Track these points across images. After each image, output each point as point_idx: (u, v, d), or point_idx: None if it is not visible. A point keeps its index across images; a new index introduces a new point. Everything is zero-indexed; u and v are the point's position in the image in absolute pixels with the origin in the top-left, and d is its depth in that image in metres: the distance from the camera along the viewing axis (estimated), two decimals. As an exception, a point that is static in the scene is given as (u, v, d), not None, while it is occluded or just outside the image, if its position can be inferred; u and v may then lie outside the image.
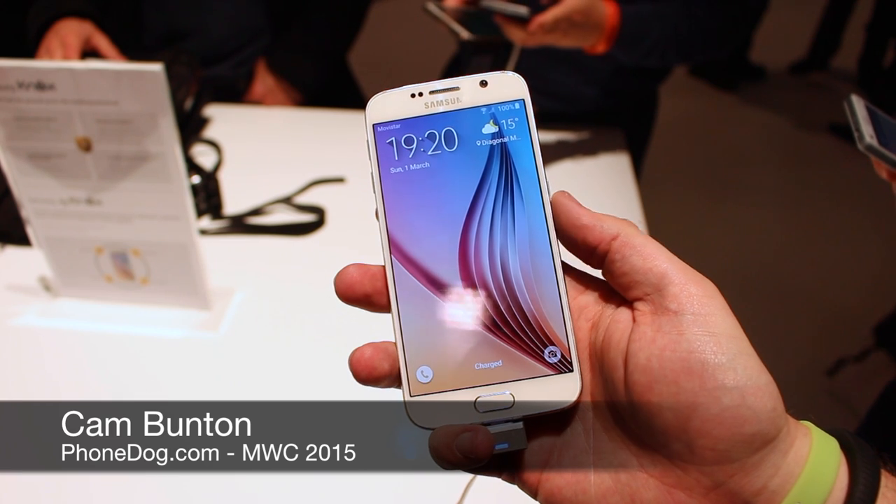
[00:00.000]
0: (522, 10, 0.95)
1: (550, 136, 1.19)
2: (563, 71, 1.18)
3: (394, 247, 0.30)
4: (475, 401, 0.29)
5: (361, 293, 0.30)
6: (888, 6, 3.12)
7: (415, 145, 0.31)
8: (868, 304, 2.00)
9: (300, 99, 1.36)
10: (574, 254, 0.30)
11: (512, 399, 0.29)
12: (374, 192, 0.30)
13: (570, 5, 0.94)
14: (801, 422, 0.27)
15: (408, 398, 0.29)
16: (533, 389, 0.29)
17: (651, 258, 0.27)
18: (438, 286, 0.30)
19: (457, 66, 1.36)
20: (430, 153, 0.31)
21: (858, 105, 0.64)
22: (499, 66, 1.15)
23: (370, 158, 0.31)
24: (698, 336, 0.26)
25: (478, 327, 0.29)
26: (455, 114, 0.31)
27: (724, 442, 0.25)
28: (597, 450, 0.28)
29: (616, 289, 0.29)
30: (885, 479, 0.25)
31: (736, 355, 0.25)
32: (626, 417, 0.27)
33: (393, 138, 0.31)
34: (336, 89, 1.44)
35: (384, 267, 0.30)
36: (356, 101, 1.47)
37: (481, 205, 0.30)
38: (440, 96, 0.31)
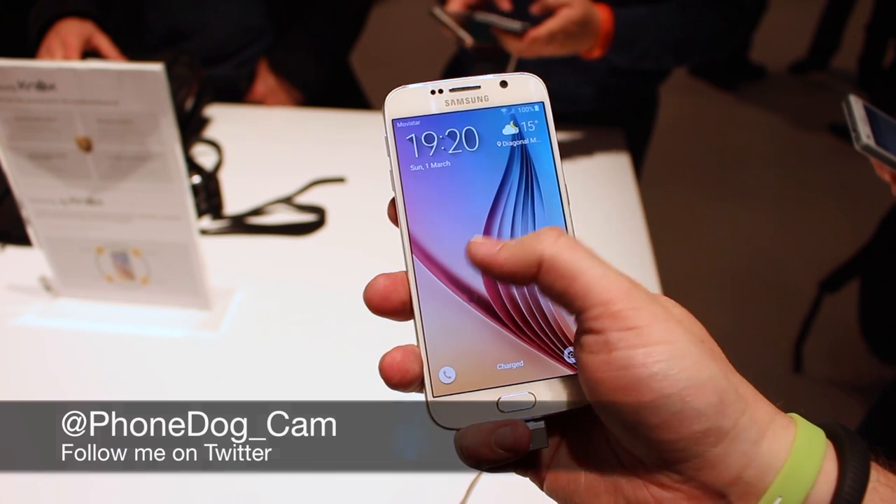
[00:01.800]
0: (516, 24, 0.95)
1: (550, 136, 1.19)
2: (564, 71, 1.18)
3: (415, 246, 0.30)
4: (498, 401, 0.29)
5: (399, 302, 0.29)
6: (888, 6, 3.12)
7: (435, 143, 0.30)
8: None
9: (301, 99, 1.36)
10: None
11: (533, 399, 0.29)
12: (394, 190, 0.30)
13: (567, 17, 0.94)
14: (789, 414, 0.27)
15: (430, 399, 0.29)
16: (553, 389, 0.29)
17: (570, 278, 0.26)
18: (460, 286, 0.30)
19: (456, 68, 1.36)
20: (450, 152, 0.30)
21: (856, 105, 0.64)
22: (500, 72, 1.14)
23: (389, 155, 0.30)
24: (627, 353, 0.25)
25: (499, 328, 0.30)
26: (475, 113, 0.31)
27: (679, 443, 0.25)
28: (589, 444, 0.29)
29: None
30: (876, 473, 0.25)
31: (669, 360, 0.25)
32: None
33: (413, 135, 0.30)
34: (338, 90, 1.44)
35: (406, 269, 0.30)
36: (358, 101, 1.47)
37: (502, 206, 0.30)
38: (460, 94, 0.31)
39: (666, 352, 0.25)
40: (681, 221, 2.45)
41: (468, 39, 0.99)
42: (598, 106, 1.22)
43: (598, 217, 1.02)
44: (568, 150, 1.16)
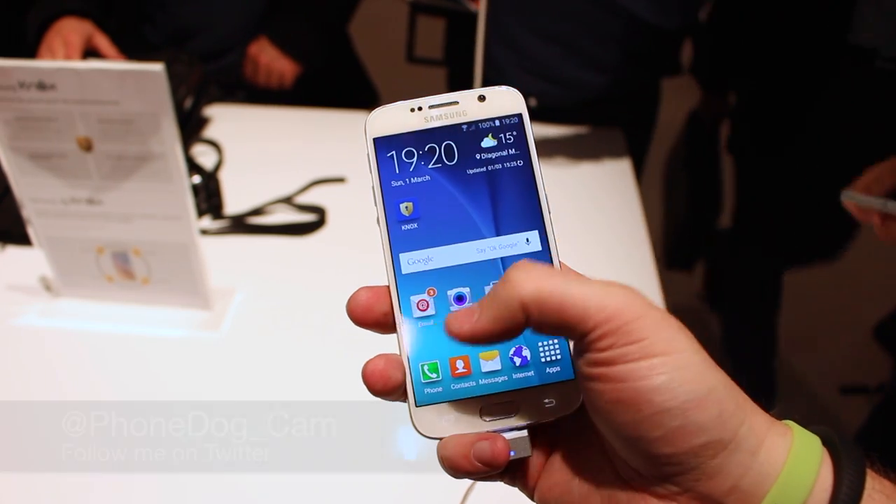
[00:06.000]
0: None
1: (550, 136, 1.19)
2: (559, 54, 1.16)
3: (396, 259, 0.30)
4: (480, 409, 0.29)
5: (381, 314, 0.30)
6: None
7: (415, 159, 0.31)
8: (867, 304, 2.00)
9: (298, 69, 1.34)
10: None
11: (517, 408, 0.29)
12: (376, 205, 0.31)
13: None
14: (784, 421, 0.27)
15: (413, 408, 0.29)
16: (536, 398, 0.29)
17: (560, 309, 0.25)
18: (441, 297, 0.30)
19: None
20: (430, 167, 0.31)
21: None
22: (460, 33, 1.12)
23: (371, 172, 0.31)
24: (628, 366, 0.25)
25: None
26: (454, 128, 0.31)
27: (677, 456, 0.25)
28: (582, 452, 0.29)
29: None
30: (872, 480, 0.25)
31: (671, 372, 0.24)
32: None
33: (393, 152, 0.31)
34: (337, 64, 1.43)
35: (387, 279, 0.30)
36: (357, 76, 1.45)
37: (482, 218, 0.31)
38: (439, 111, 0.32)
39: (668, 364, 0.24)
40: (681, 221, 2.44)
41: None
42: (596, 93, 1.20)
43: (599, 219, 1.02)
44: (568, 152, 1.16)
